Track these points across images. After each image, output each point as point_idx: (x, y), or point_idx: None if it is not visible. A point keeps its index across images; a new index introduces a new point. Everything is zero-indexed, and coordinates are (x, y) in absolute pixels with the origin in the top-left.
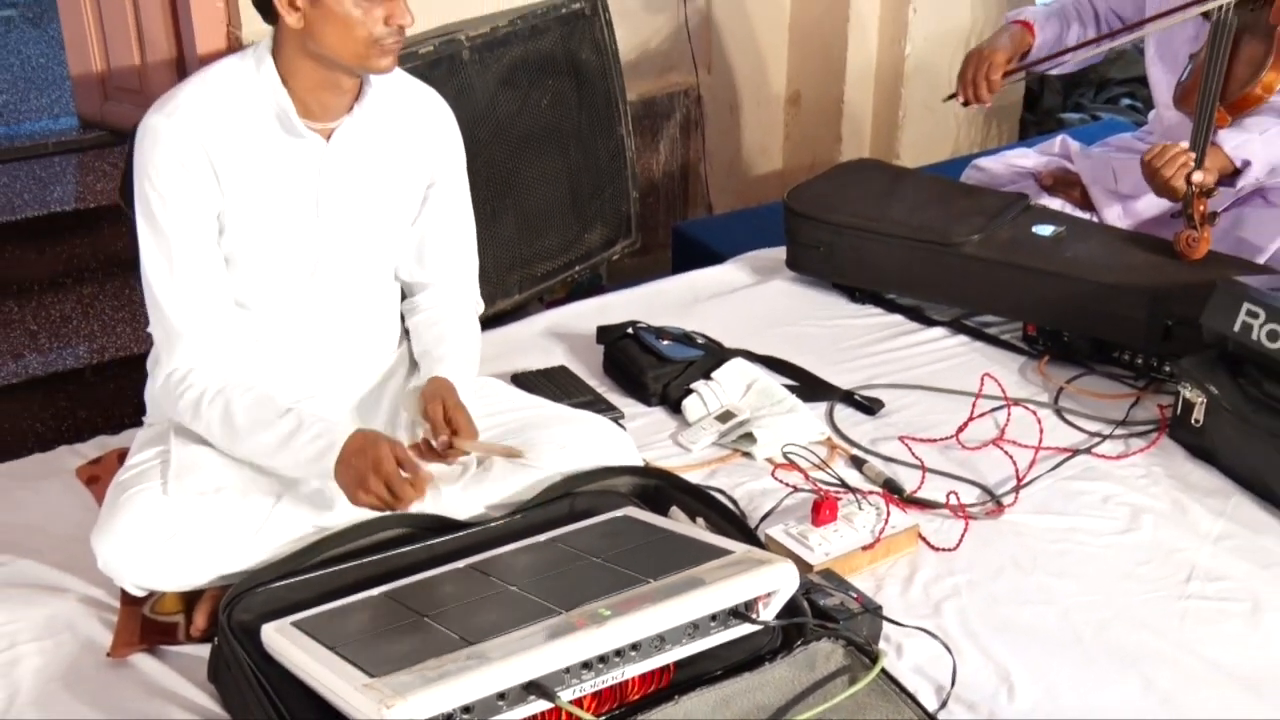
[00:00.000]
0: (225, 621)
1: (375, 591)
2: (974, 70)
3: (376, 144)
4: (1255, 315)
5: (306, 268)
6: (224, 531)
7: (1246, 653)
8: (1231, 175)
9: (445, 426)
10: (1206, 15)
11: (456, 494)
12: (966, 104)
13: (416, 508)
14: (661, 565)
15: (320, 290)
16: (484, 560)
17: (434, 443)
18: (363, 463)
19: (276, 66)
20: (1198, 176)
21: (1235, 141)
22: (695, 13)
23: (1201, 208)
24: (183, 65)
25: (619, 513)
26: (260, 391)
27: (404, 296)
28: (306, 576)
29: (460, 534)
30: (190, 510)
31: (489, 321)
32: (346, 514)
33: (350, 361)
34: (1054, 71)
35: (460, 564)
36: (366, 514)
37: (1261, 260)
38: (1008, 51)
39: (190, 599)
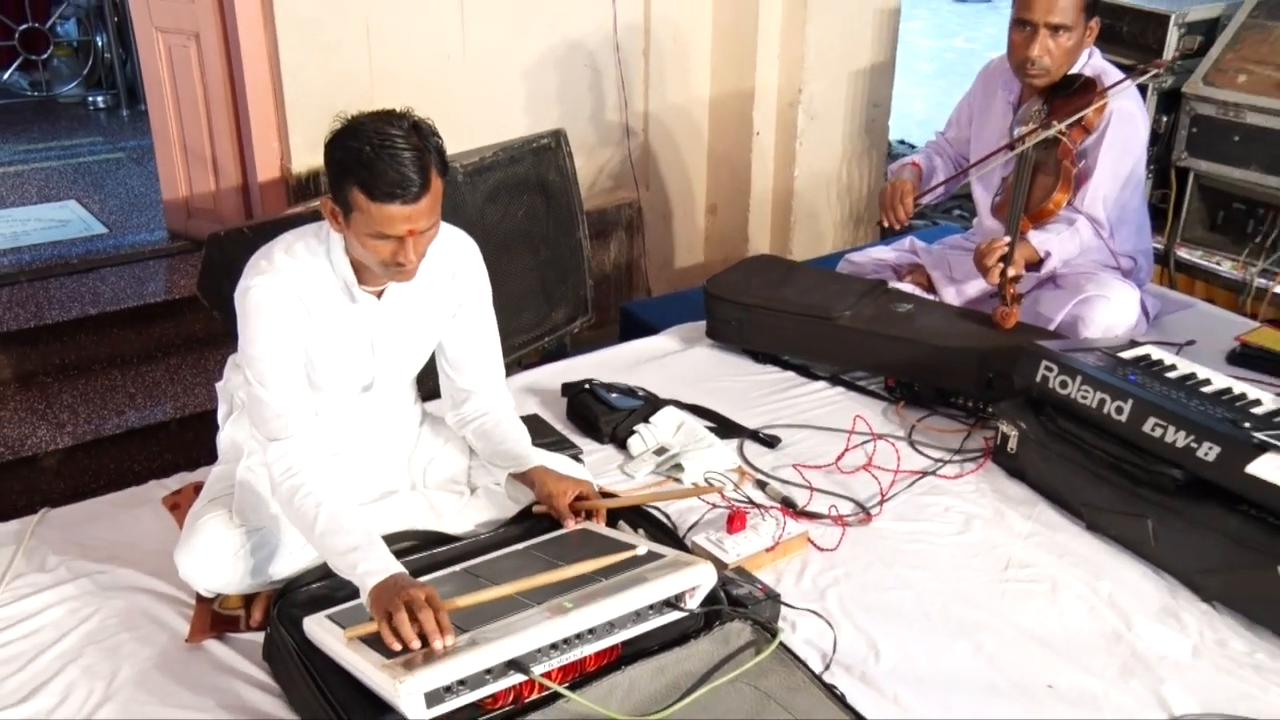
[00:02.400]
0: (276, 615)
1: None
2: (892, 199)
3: (419, 293)
4: (1051, 369)
5: (362, 386)
6: (273, 549)
7: (1047, 621)
8: (1036, 265)
9: (576, 508)
10: (1015, 149)
11: (453, 515)
12: (890, 228)
13: (422, 524)
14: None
15: (371, 400)
16: (474, 565)
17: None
18: (388, 598)
19: (345, 252)
20: (1011, 271)
21: (1039, 239)
22: (636, 146)
23: (1012, 290)
24: (247, 190)
25: (579, 527)
26: (343, 505)
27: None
28: (337, 579)
29: (456, 544)
30: (249, 533)
31: None
32: None
33: (382, 436)
34: (928, 201)
35: (456, 568)
36: (386, 531)
37: (1053, 328)
38: (913, 184)
39: (249, 598)
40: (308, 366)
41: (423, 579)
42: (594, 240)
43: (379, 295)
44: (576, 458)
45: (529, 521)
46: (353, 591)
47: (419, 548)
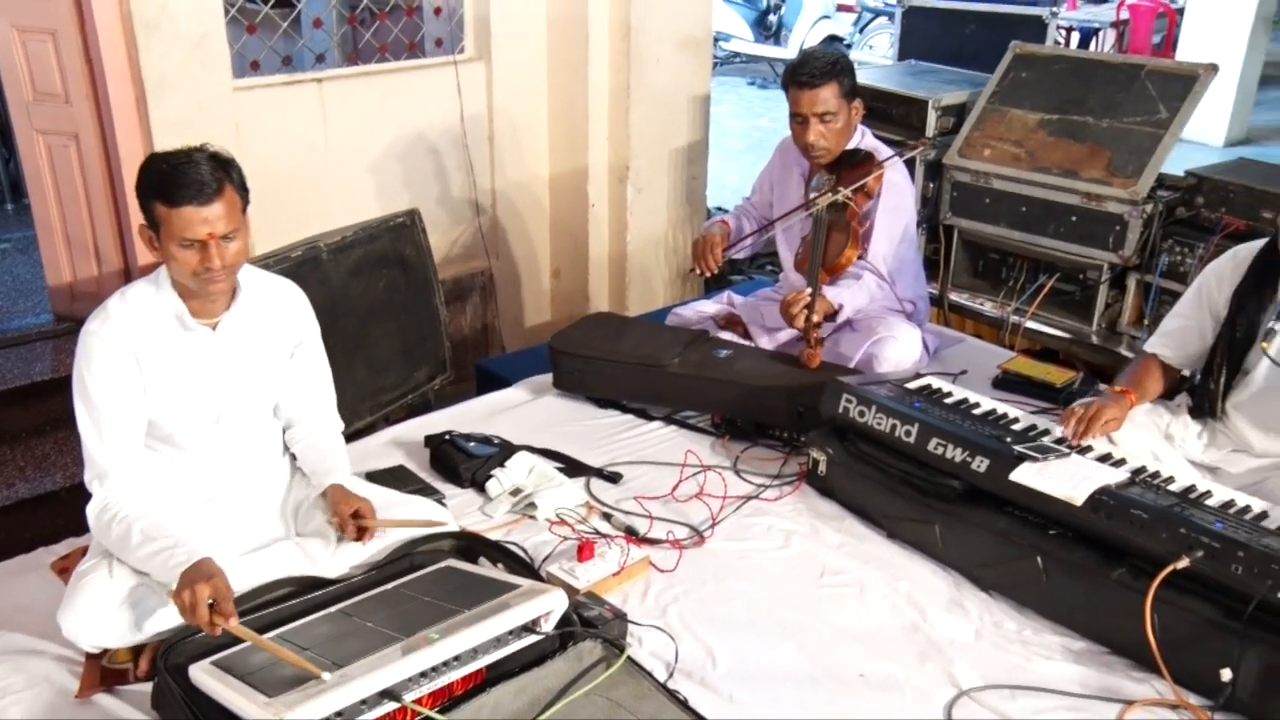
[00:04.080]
0: (162, 665)
1: (270, 635)
2: (703, 250)
3: (253, 328)
4: (851, 401)
5: (211, 418)
6: (154, 603)
7: (857, 619)
8: (834, 315)
9: (351, 522)
10: (811, 214)
11: (327, 559)
12: (702, 274)
13: (298, 571)
14: (474, 599)
15: (224, 432)
16: (348, 605)
17: (347, 538)
18: (187, 583)
19: (172, 284)
20: (815, 318)
21: (833, 294)
22: (485, 220)
23: (815, 334)
24: (129, 274)
25: (443, 564)
26: (151, 520)
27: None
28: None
29: (331, 588)
30: (129, 589)
31: (349, 438)
32: (248, 582)
33: (250, 478)
34: (738, 254)
35: (332, 609)
36: (266, 579)
37: (852, 365)
38: (722, 237)
39: (137, 649)
40: (150, 403)
41: (300, 622)
42: (451, 305)
43: (214, 327)
44: (440, 502)
45: (401, 561)
46: (235, 639)
47: (296, 593)
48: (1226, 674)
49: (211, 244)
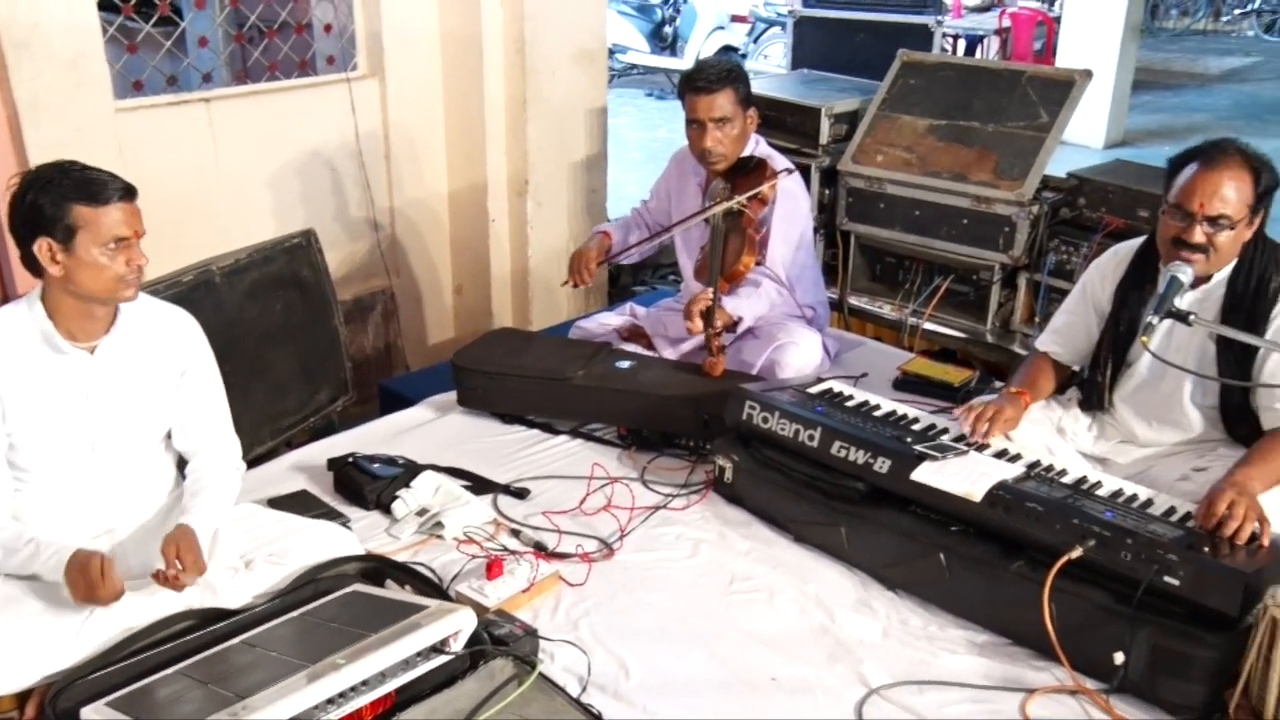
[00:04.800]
0: (51, 711)
1: (170, 670)
2: (578, 264)
3: (135, 352)
4: (754, 408)
5: (87, 443)
6: (40, 644)
7: (767, 623)
8: (734, 325)
9: (175, 563)
10: (707, 221)
11: (229, 590)
12: (575, 285)
13: (199, 603)
14: (380, 622)
15: (102, 458)
16: (252, 636)
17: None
18: (76, 571)
19: (45, 305)
20: (716, 325)
21: (732, 306)
22: (384, 238)
23: (717, 343)
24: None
25: (349, 589)
26: (11, 531)
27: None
28: (116, 666)
29: (233, 619)
30: (11, 630)
31: (251, 463)
32: (147, 616)
33: (130, 506)
34: (625, 261)
35: (235, 641)
36: (163, 613)
37: (755, 372)
38: (596, 251)
39: (22, 696)
40: (11, 427)
41: (201, 656)
42: (351, 325)
43: (91, 350)
44: (345, 525)
45: (306, 588)
46: (135, 675)
47: (197, 626)
48: (1119, 657)
49: (136, 242)
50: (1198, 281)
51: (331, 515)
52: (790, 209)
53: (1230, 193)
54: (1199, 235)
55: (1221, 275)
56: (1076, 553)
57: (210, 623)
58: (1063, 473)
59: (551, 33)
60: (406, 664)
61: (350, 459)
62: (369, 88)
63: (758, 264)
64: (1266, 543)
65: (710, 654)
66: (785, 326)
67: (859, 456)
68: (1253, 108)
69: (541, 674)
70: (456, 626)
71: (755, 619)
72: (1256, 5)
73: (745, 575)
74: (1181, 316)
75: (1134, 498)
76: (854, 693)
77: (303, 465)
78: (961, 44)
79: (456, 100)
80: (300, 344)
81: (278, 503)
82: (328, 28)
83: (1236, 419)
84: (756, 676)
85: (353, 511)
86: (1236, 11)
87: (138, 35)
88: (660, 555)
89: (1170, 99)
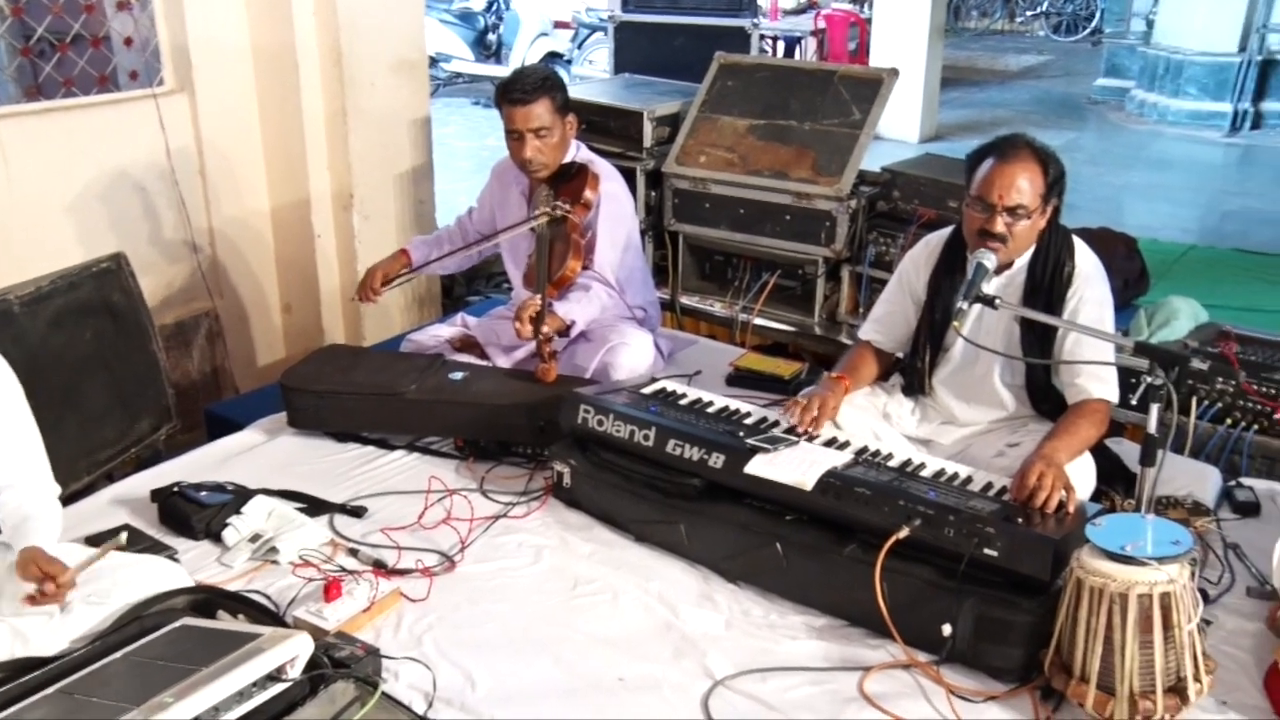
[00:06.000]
0: None
1: None
2: (365, 281)
3: None
4: (589, 411)
5: None
6: None
7: (612, 624)
8: (567, 330)
9: (43, 579)
10: (534, 229)
11: (43, 636)
12: (363, 300)
13: (7, 653)
14: (211, 655)
15: None
16: (70, 683)
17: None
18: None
19: None
20: (545, 331)
21: (563, 310)
22: (205, 259)
23: (549, 349)
24: None
25: (177, 624)
26: None
27: None
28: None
29: (49, 668)
30: None
31: (67, 500)
32: None
33: None
34: (440, 271)
35: (50, 690)
36: None
37: (588, 376)
38: (386, 269)
39: None
40: None
41: (10, 711)
42: (175, 350)
43: None
44: (172, 558)
45: (130, 627)
46: None
47: (7, 679)
48: (947, 629)
49: None
50: (1001, 268)
51: (157, 548)
52: (615, 212)
53: (1024, 184)
54: (1000, 225)
55: (1022, 261)
56: (904, 533)
57: (22, 674)
58: (889, 457)
59: (369, 43)
60: (241, 695)
61: (175, 488)
62: (178, 103)
63: (585, 268)
64: (1073, 509)
65: (556, 659)
66: (616, 328)
67: (694, 453)
68: (1048, 102)
69: (385, 694)
70: (292, 652)
71: (600, 621)
72: (1044, 8)
73: (588, 578)
74: (988, 301)
75: (955, 476)
76: (700, 686)
77: (124, 499)
78: (781, 45)
79: (273, 114)
80: (115, 372)
81: (97, 540)
82: (128, 41)
83: (1042, 396)
84: (603, 678)
85: (180, 543)
86: (1029, 13)
87: None
88: (502, 564)
89: (977, 94)
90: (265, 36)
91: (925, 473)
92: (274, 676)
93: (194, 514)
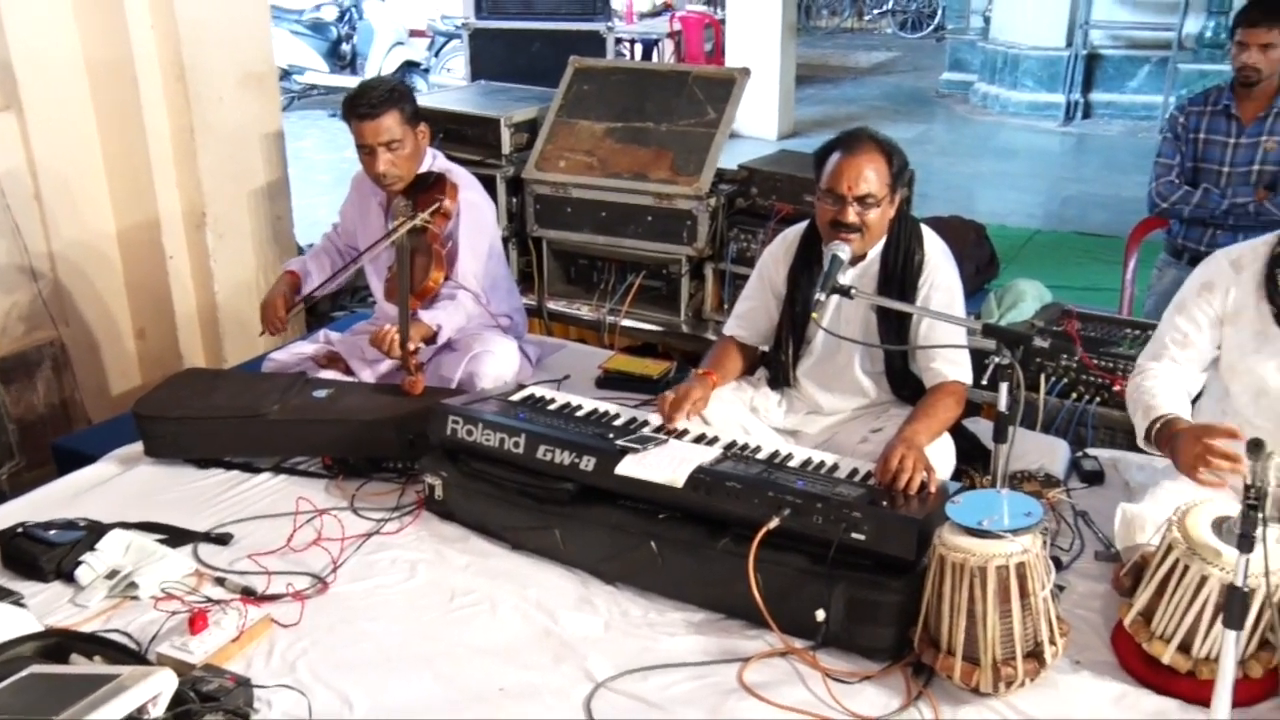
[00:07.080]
0: None
1: None
2: (268, 313)
3: None
4: (457, 422)
5: None
6: None
7: (491, 634)
8: (433, 338)
9: None
10: (393, 242)
11: None
12: (274, 333)
13: None
14: (63, 702)
15: None
16: None
17: None
18: None
19: None
20: (412, 345)
21: (429, 317)
22: (46, 285)
23: (414, 361)
24: None
25: (24, 673)
26: None
27: None
28: None
29: None
30: None
31: None
32: None
33: None
34: (320, 292)
35: None
36: None
37: (454, 386)
38: (284, 294)
39: None
40: None
41: None
42: (15, 384)
43: None
44: (19, 604)
45: None
46: None
47: None
48: (821, 614)
49: None
50: (856, 259)
51: (2, 594)
52: (475, 220)
53: (871, 174)
54: (852, 215)
55: (875, 252)
56: (774, 523)
57: None
58: (757, 449)
59: (213, 56)
60: None
61: (20, 529)
62: (4, 122)
63: (447, 279)
64: (935, 489)
65: (436, 674)
66: (480, 337)
67: (564, 458)
68: (898, 96)
69: None
70: (153, 691)
71: (479, 632)
72: (890, 6)
73: (465, 589)
74: (844, 291)
75: (822, 464)
76: (581, 689)
77: None
78: (639, 48)
79: (114, 132)
80: None
81: None
82: None
83: (901, 382)
84: (484, 689)
85: (28, 586)
86: (876, 11)
87: None
88: (377, 582)
89: (831, 91)
90: (99, 50)
91: (793, 463)
92: (135, 717)
93: (42, 554)
